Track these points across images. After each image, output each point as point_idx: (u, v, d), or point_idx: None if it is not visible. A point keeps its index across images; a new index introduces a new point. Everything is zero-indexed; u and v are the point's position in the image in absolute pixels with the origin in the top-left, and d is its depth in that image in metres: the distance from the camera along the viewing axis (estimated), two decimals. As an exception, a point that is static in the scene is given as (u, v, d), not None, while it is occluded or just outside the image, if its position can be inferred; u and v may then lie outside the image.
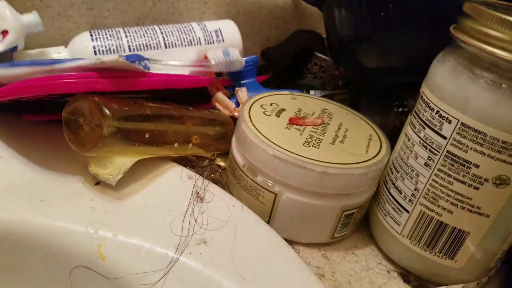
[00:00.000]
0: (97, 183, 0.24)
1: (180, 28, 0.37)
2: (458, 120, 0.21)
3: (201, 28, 0.38)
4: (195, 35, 0.37)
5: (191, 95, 0.32)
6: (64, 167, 0.25)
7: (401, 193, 0.24)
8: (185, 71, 0.35)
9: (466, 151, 0.21)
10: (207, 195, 0.25)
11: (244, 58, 0.37)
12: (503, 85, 0.19)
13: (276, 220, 0.26)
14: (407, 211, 0.24)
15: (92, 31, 0.34)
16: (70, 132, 0.23)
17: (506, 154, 0.20)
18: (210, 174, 0.29)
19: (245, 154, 0.26)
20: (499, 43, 0.19)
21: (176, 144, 0.26)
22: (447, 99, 0.21)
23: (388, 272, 0.26)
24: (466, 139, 0.21)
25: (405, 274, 0.26)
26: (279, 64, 0.44)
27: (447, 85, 0.21)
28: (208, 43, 0.38)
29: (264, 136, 0.25)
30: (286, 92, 0.32)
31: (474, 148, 0.20)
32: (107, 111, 0.22)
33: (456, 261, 0.24)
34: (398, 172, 0.25)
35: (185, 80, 0.28)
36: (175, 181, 0.26)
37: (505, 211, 0.22)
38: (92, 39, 0.34)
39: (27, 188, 0.23)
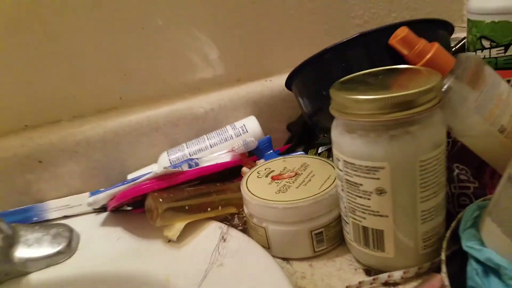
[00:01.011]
0: (169, 241, 0.42)
1: (219, 132, 0.56)
2: (342, 159, 0.32)
3: (232, 128, 0.56)
4: (228, 134, 0.55)
5: (230, 173, 0.49)
6: (153, 236, 0.43)
7: (342, 213, 0.35)
8: (225, 158, 0.52)
9: (352, 176, 0.32)
10: (228, 237, 0.40)
11: (262, 139, 0.53)
12: (357, 133, 0.31)
13: (272, 246, 0.39)
14: (348, 223, 0.35)
15: (168, 150, 0.55)
16: (150, 217, 0.42)
17: (372, 173, 0.30)
18: (239, 223, 0.44)
19: (245, 206, 0.40)
20: (347, 110, 0.31)
21: (209, 209, 0.43)
22: (335, 146, 0.33)
23: (356, 269, 0.36)
24: (348, 169, 0.32)
25: (368, 270, 0.35)
26: (297, 133, 0.58)
27: (333, 137, 0.33)
28: (237, 136, 0.55)
29: (251, 192, 0.39)
30: (280, 158, 0.46)
31: (355, 174, 0.31)
32: (160, 199, 0.40)
33: (387, 252, 0.33)
34: (339, 198, 0.36)
35: (211, 168, 0.45)
36: (210, 231, 0.42)
37: (396, 211, 0.31)
38: (168, 155, 0.55)
39: (136, 251, 0.42)
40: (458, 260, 0.32)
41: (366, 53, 0.37)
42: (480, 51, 0.46)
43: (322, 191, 0.37)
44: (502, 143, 0.33)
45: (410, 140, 0.29)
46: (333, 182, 0.38)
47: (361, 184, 0.32)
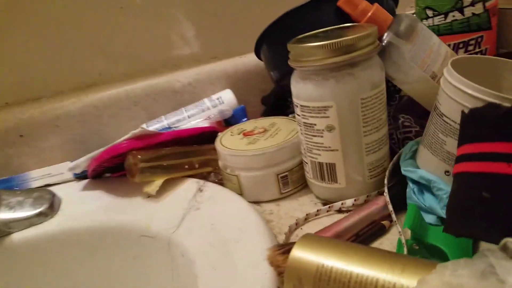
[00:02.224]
0: (149, 196, 0.46)
1: (196, 105, 0.60)
2: (299, 104, 0.37)
3: (209, 100, 0.60)
4: (205, 105, 0.59)
5: (206, 138, 0.53)
6: (133, 194, 0.47)
7: (303, 155, 0.40)
8: (202, 125, 0.56)
9: (307, 118, 0.37)
10: (205, 188, 0.45)
11: (236, 108, 0.58)
12: (309, 78, 0.36)
13: (245, 191, 0.43)
14: (307, 163, 0.40)
15: (147, 122, 0.59)
16: (129, 174, 0.46)
17: (322, 113, 0.35)
18: (216, 179, 0.49)
19: (220, 159, 0.45)
20: (301, 58, 0.36)
21: (186, 167, 0.47)
22: (294, 95, 0.38)
23: (315, 204, 0.41)
24: (304, 112, 0.37)
25: (326, 203, 0.40)
26: (270, 105, 0.63)
27: (292, 87, 0.38)
28: (214, 107, 0.59)
29: (224, 146, 0.44)
30: (252, 120, 0.51)
31: (309, 115, 0.36)
32: (139, 156, 0.44)
33: (340, 183, 0.38)
34: (300, 143, 0.41)
35: (188, 131, 0.50)
36: (188, 185, 0.46)
37: (344, 145, 0.36)
38: (147, 127, 0.59)
39: (116, 208, 0.45)
40: (399, 188, 0.37)
41: (320, 15, 0.42)
42: (425, 20, 0.52)
43: (286, 140, 0.42)
44: (434, 88, 0.38)
45: (352, 80, 0.34)
46: (297, 133, 0.43)
47: (315, 124, 0.37)
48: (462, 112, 0.25)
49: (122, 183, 0.49)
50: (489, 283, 0.19)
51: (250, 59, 0.65)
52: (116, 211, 0.45)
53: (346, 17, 0.41)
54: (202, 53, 0.65)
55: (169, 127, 0.56)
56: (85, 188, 0.51)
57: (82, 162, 0.48)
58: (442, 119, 0.31)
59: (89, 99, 0.57)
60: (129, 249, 0.43)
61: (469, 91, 0.28)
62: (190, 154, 0.48)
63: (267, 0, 0.66)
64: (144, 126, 0.59)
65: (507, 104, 0.21)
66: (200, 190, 0.45)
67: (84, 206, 0.47)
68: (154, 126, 0.58)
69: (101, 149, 0.47)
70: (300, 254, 0.25)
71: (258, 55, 0.52)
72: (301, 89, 0.37)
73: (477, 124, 0.22)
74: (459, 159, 0.24)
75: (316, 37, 0.37)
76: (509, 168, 0.20)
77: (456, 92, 0.30)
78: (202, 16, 0.63)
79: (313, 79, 0.35)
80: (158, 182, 0.46)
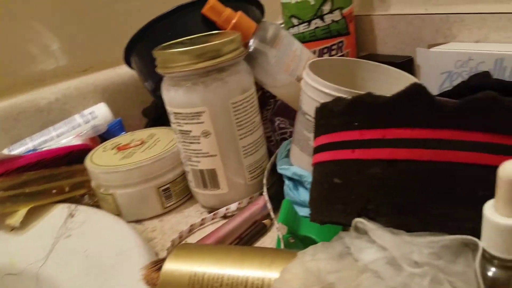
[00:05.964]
0: (12, 229, 0.40)
1: (66, 122, 0.54)
2: (172, 111, 0.36)
3: (80, 115, 0.55)
4: (76, 122, 0.54)
5: (78, 157, 0.48)
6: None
7: (183, 164, 0.39)
8: (73, 143, 0.51)
9: (182, 125, 0.36)
10: (77, 213, 0.40)
11: (112, 122, 0.54)
12: (179, 85, 0.35)
13: (123, 211, 0.40)
14: (189, 172, 0.39)
15: (8, 147, 0.52)
16: (-16, 205, 0.39)
17: (196, 119, 0.35)
18: (90, 202, 0.44)
19: (92, 179, 0.41)
20: (167, 64, 0.35)
21: (54, 191, 0.42)
22: (166, 103, 0.37)
23: (201, 213, 0.40)
24: (178, 119, 0.36)
25: (211, 211, 0.39)
26: (152, 117, 0.60)
27: (163, 95, 0.37)
28: (86, 123, 0.54)
29: (95, 163, 0.40)
30: (128, 133, 0.48)
31: (184, 122, 0.36)
32: (-7, 184, 0.38)
33: (222, 188, 0.38)
34: (180, 153, 0.40)
35: (54, 151, 0.45)
36: (57, 211, 0.41)
37: (222, 150, 0.36)
38: (9, 151, 0.51)
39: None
40: (278, 186, 0.38)
41: (187, 22, 0.42)
42: (292, 28, 0.55)
43: (164, 150, 0.40)
44: (300, 90, 0.41)
45: (221, 85, 0.34)
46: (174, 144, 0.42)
47: (190, 131, 0.36)
48: (316, 107, 0.27)
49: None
50: (346, 263, 0.20)
51: (125, 70, 0.61)
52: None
53: (212, 25, 0.41)
54: (70, 66, 0.60)
55: (35, 149, 0.50)
56: None
57: None
58: (305, 117, 0.33)
59: None
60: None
61: (322, 89, 0.30)
62: (58, 177, 0.43)
63: (136, 7, 0.63)
64: (5, 151, 0.51)
65: (349, 97, 0.23)
66: (71, 215, 0.40)
67: None
68: (17, 150, 0.51)
69: None
70: (172, 267, 0.23)
71: (129, 65, 0.49)
72: (172, 96, 0.35)
73: (326, 116, 0.24)
74: (315, 150, 0.25)
75: (182, 44, 0.37)
76: (353, 154, 0.21)
77: (313, 91, 0.32)
78: (66, 27, 0.58)
79: (183, 85, 0.34)
80: (22, 211, 0.40)
